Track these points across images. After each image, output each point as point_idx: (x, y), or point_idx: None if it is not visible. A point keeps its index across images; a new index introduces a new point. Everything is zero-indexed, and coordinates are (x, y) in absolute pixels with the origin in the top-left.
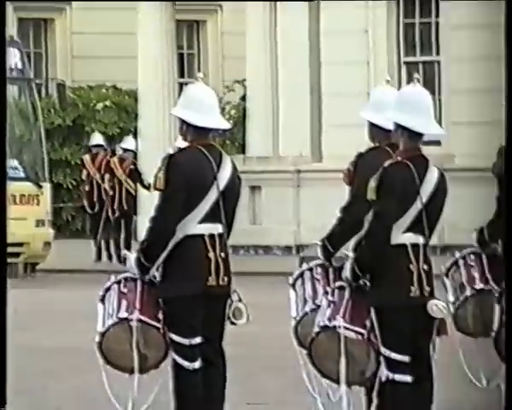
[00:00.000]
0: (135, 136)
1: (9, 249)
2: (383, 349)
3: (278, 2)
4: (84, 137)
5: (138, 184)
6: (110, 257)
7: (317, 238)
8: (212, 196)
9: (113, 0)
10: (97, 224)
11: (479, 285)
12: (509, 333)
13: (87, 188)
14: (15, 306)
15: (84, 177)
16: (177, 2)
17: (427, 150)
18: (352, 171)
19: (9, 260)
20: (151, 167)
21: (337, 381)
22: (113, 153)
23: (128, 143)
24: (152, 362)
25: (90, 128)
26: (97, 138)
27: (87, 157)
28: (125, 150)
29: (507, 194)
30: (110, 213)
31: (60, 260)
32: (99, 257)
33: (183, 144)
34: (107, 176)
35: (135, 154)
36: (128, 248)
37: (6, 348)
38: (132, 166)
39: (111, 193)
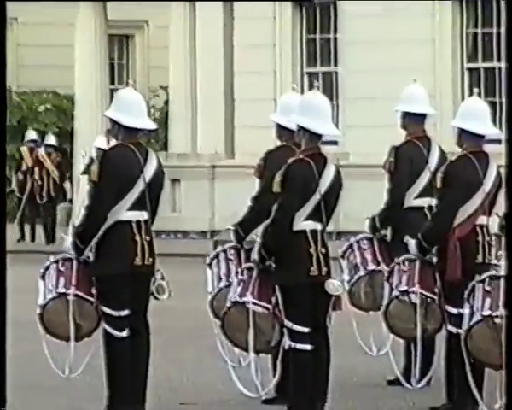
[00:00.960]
0: (71, 134)
1: None
2: (286, 322)
3: (197, 19)
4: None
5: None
6: (48, 240)
7: (230, 224)
8: (139, 187)
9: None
10: (23, 208)
11: (371, 266)
12: (509, 329)
13: (20, 177)
14: None
15: (24, 167)
16: (109, 17)
17: (325, 149)
18: (262, 166)
19: None
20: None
21: (246, 349)
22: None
23: (50, 139)
24: (86, 331)
25: (33, 127)
26: (31, 134)
27: (25, 149)
28: (48, 146)
29: (507, 192)
30: (38, 200)
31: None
32: (23, 237)
33: (102, 144)
34: (36, 168)
35: (55, 148)
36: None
37: (5, 350)
38: (58, 158)
39: (39, 182)
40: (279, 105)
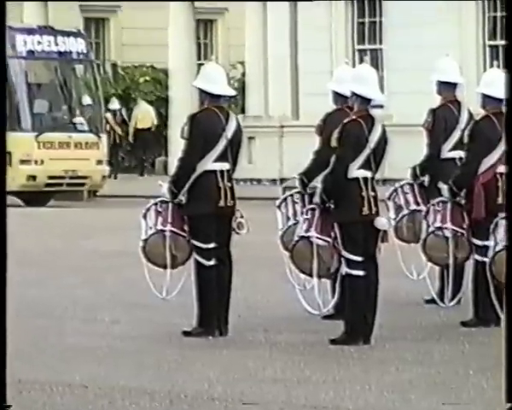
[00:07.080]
0: (166, 101)
1: (77, 181)
2: (343, 252)
3: (268, 4)
4: (131, 102)
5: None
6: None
7: (296, 173)
8: (222, 143)
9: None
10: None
11: (412, 207)
12: (509, 322)
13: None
14: (81, 221)
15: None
16: (195, 5)
17: (373, 111)
18: (321, 125)
19: (77, 188)
20: (179, 123)
21: (310, 275)
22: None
23: (114, 104)
24: (180, 261)
25: (135, 95)
26: (114, 104)
27: (108, 115)
28: (112, 110)
29: (507, 189)
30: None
31: (113, 188)
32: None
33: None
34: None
35: (118, 111)
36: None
37: (6, 350)
38: (121, 118)
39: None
40: (334, 76)
